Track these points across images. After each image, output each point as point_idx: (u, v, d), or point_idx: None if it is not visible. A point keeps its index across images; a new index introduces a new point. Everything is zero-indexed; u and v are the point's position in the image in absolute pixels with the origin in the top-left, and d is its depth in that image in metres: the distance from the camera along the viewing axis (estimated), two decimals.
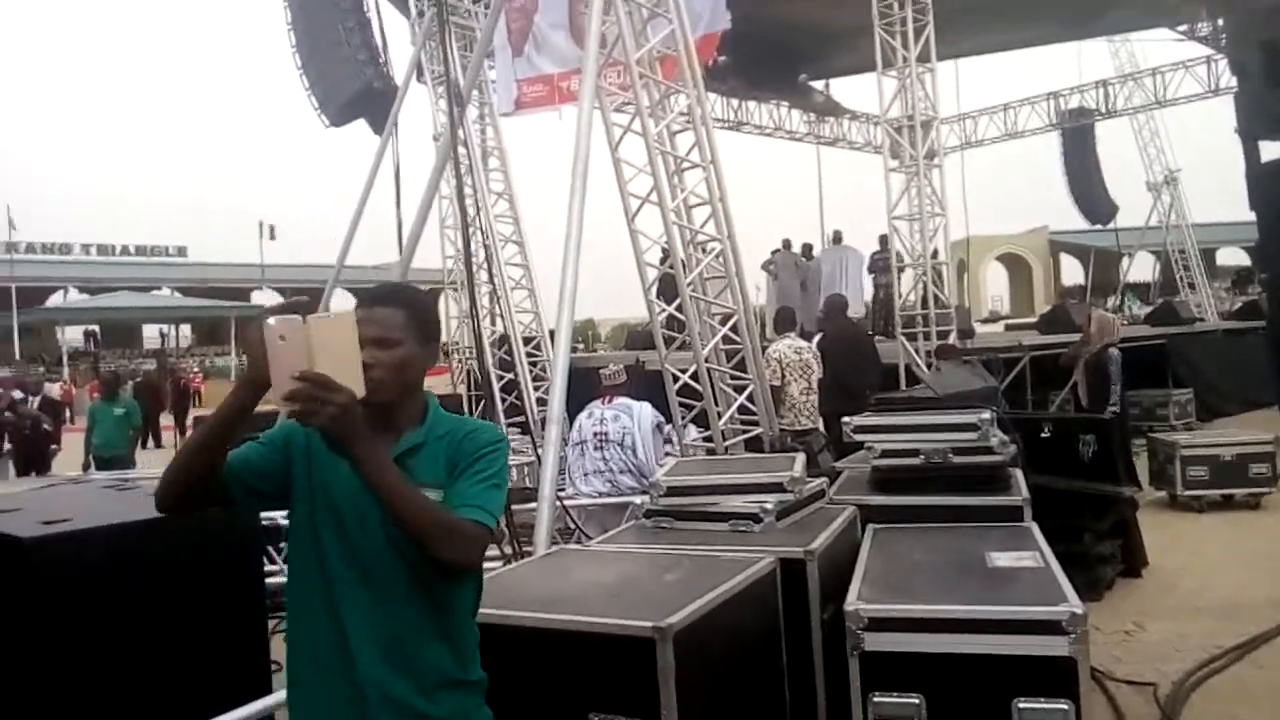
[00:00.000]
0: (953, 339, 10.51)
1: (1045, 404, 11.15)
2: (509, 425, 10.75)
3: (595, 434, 6.23)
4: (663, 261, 7.94)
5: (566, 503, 5.83)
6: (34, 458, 9.97)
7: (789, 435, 7.46)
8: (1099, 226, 31.54)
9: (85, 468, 10.36)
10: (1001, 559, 3.19)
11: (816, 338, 8.80)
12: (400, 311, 1.83)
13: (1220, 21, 18.62)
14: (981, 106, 25.57)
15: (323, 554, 1.78)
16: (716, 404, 7.39)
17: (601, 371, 6.59)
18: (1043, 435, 6.14)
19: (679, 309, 7.38)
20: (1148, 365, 12.60)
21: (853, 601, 2.82)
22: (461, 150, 7.97)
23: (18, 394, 11.31)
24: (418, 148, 12.47)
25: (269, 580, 4.19)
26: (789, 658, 2.99)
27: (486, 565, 1.99)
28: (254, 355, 1.59)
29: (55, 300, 49.90)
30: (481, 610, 1.94)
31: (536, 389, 11.47)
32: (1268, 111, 10.05)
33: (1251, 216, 11.12)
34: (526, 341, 12.01)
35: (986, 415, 4.10)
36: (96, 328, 49.59)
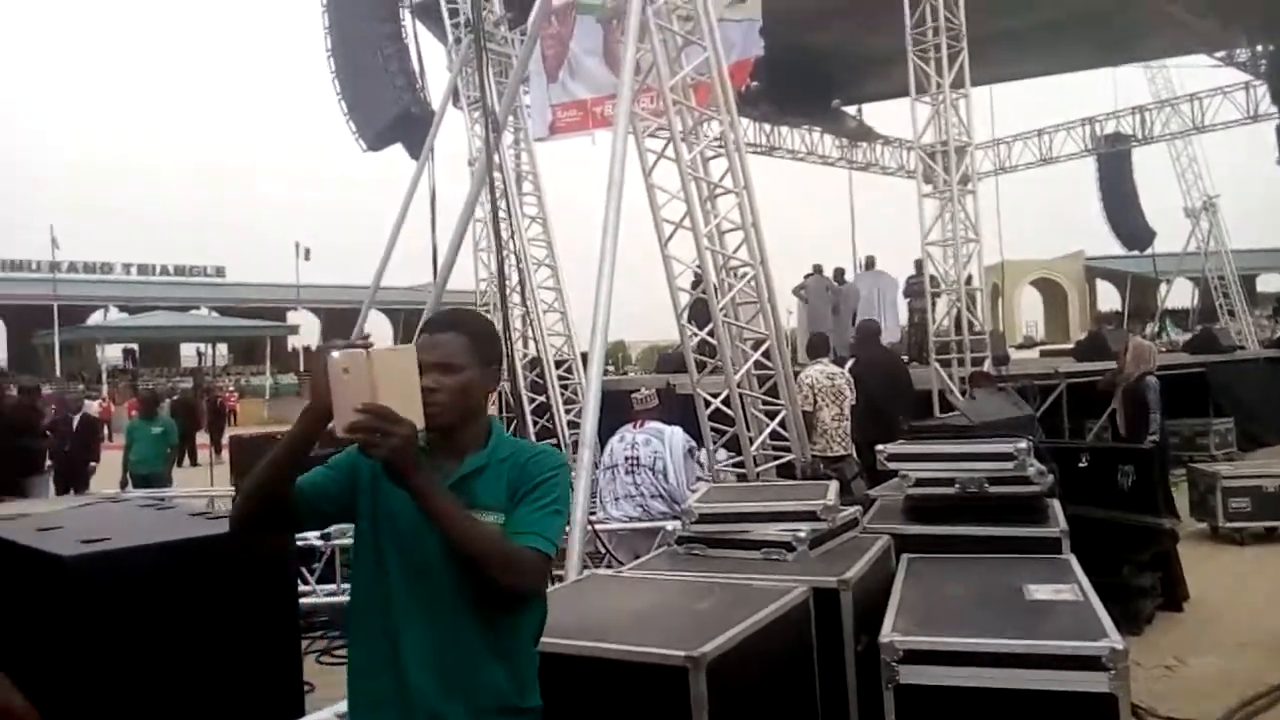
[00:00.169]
0: (987, 365, 10.41)
1: (1082, 432, 11.00)
2: None
3: (626, 458, 6.22)
4: (694, 286, 7.95)
5: (597, 527, 5.82)
6: (73, 475, 10.11)
7: (821, 462, 7.40)
8: (1136, 252, 31.19)
9: (123, 485, 10.49)
10: (1039, 591, 3.14)
11: (849, 363, 8.76)
12: (461, 337, 1.87)
13: (1260, 48, 18.43)
14: (1016, 131, 25.47)
15: (384, 575, 1.82)
16: (748, 429, 7.36)
17: (633, 395, 6.59)
18: (1080, 465, 6.05)
19: (711, 333, 7.38)
20: (1187, 394, 12.38)
21: (888, 633, 2.79)
22: (497, 175, 8.04)
23: (53, 408, 11.49)
24: (453, 172, 12.62)
25: (302, 601, 4.22)
26: (822, 689, 2.96)
27: None
28: (318, 387, 1.64)
29: (96, 319, 50.82)
30: None
31: (568, 411, 11.48)
32: None
33: None
34: (558, 364, 12.03)
35: (1023, 444, 4.06)
36: (135, 346, 50.40)
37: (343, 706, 3.37)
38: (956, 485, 4.07)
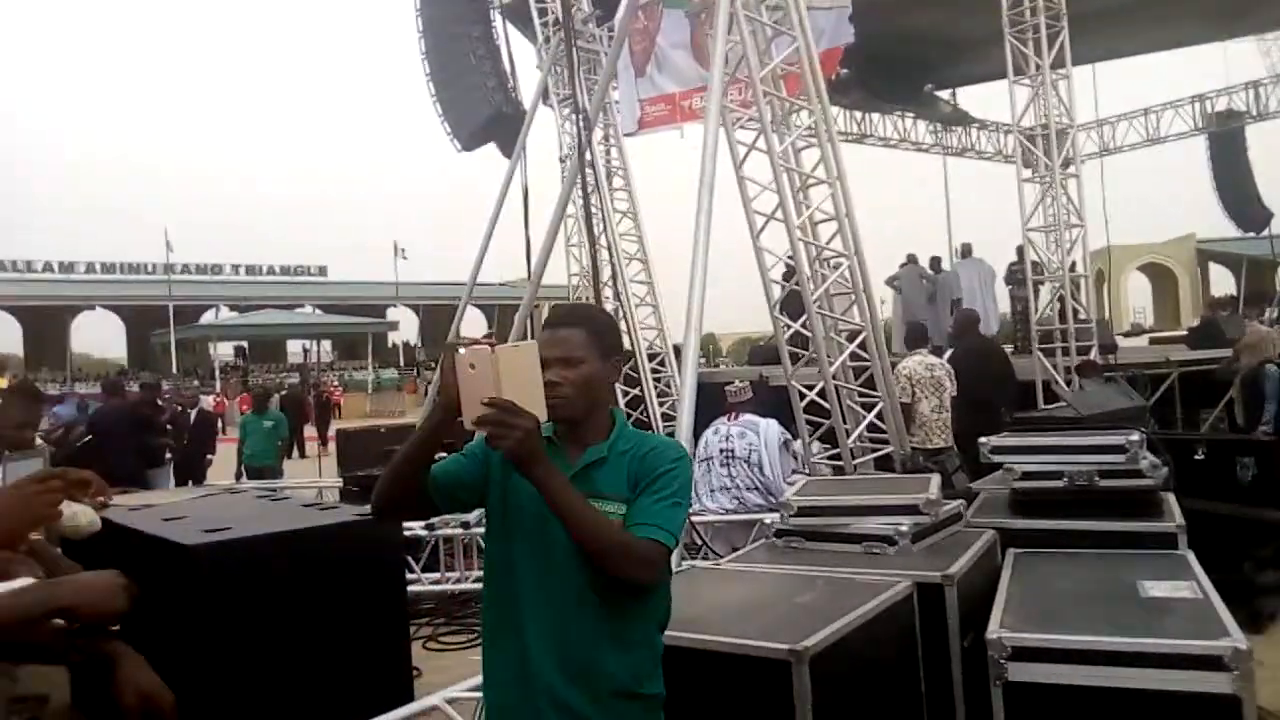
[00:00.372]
0: (1094, 354, 10.06)
1: (1196, 423, 10.54)
2: None
3: (721, 450, 6.22)
4: (785, 277, 7.88)
5: (694, 519, 5.84)
6: (190, 468, 10.57)
7: (920, 454, 7.28)
8: (1252, 234, 29.72)
9: (237, 477, 10.95)
10: (1155, 588, 3.03)
11: (947, 353, 8.57)
12: (581, 331, 1.92)
13: None
14: (1121, 111, 24.50)
15: (512, 561, 1.90)
16: (844, 421, 7.28)
17: (727, 388, 6.58)
18: (1196, 457, 5.81)
19: (804, 325, 7.31)
20: None
21: (995, 629, 2.72)
22: (588, 171, 8.11)
23: (176, 407, 12.02)
24: (545, 168, 12.77)
25: (408, 589, 4.35)
26: (927, 686, 2.92)
27: None
28: (447, 382, 1.73)
29: (208, 318, 53.03)
30: None
31: (661, 404, 11.54)
32: None
33: None
34: (651, 358, 12.08)
35: (1135, 437, 3.91)
36: (245, 343, 52.42)
37: (450, 692, 3.49)
38: (1065, 479, 3.95)
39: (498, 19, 15.64)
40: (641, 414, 11.47)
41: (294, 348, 55.68)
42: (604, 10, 12.09)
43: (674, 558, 4.96)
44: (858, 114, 21.57)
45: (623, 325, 11.99)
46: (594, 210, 8.66)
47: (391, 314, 56.00)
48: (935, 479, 3.89)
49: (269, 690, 3.29)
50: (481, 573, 6.74)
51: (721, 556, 4.94)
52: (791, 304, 7.62)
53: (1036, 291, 10.66)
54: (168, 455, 9.58)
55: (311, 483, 10.44)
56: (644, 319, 12.32)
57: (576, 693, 1.82)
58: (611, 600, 1.83)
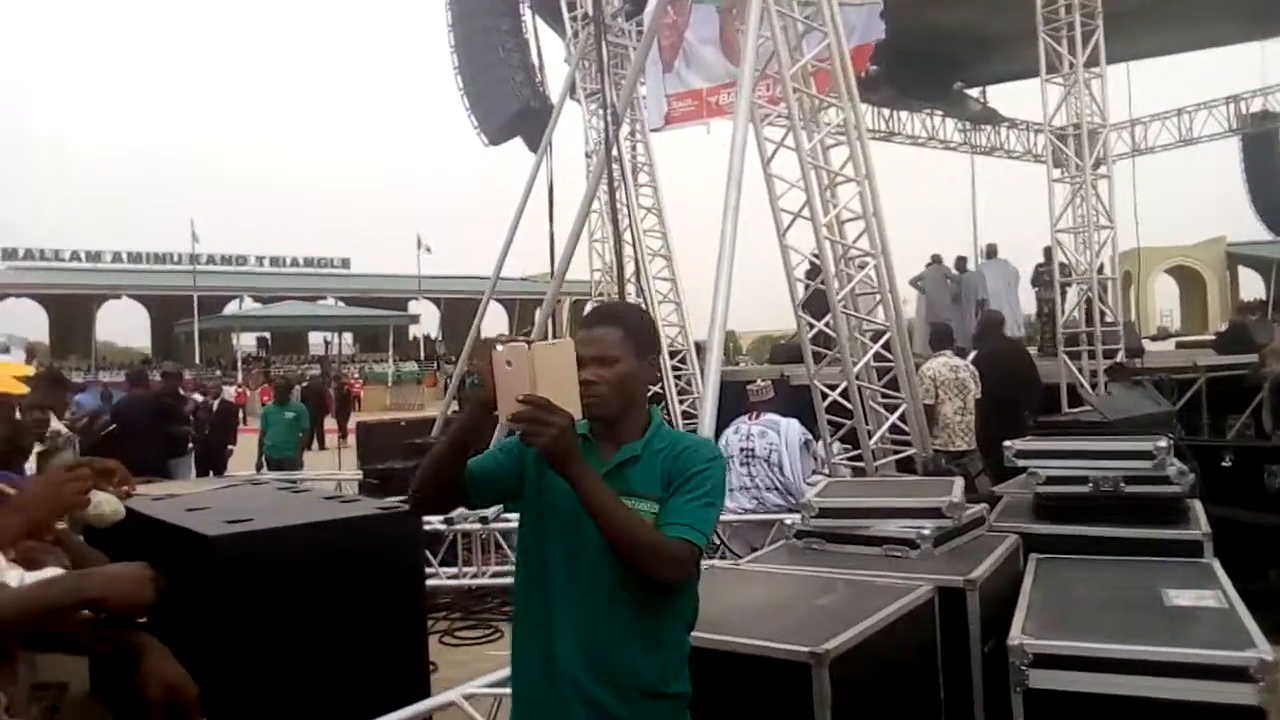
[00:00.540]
0: (1120, 358, 9.95)
1: (1223, 429, 10.40)
2: None
3: (742, 450, 6.20)
4: (809, 275, 7.84)
5: None
6: (212, 458, 10.66)
7: (943, 457, 7.22)
8: None
9: (258, 468, 11.03)
10: (1180, 597, 3.00)
11: (971, 355, 8.50)
12: (617, 330, 1.93)
13: None
14: (1154, 111, 24.21)
15: (545, 557, 1.91)
16: (866, 422, 7.24)
17: (749, 387, 6.56)
18: (1223, 464, 5.73)
19: (828, 324, 7.27)
20: None
21: (1016, 635, 2.70)
22: (615, 166, 8.11)
23: (198, 397, 12.13)
24: (570, 163, 12.78)
25: (426, 583, 4.36)
26: (946, 691, 2.90)
27: None
28: (483, 378, 1.75)
29: (231, 308, 53.42)
30: None
31: (682, 402, 11.52)
32: None
33: None
34: (672, 355, 12.07)
35: (1163, 442, 3.87)
36: (268, 334, 52.78)
37: (468, 688, 3.49)
38: (1090, 484, 3.91)
39: (527, 13, 15.67)
40: (662, 411, 11.45)
41: (315, 339, 56.08)
42: (633, 5, 12.09)
43: None
44: (886, 111, 21.45)
45: None
46: (619, 206, 8.64)
47: (413, 307, 56.25)
48: (958, 482, 3.86)
49: (288, 682, 3.30)
50: (499, 568, 6.75)
51: (740, 556, 4.92)
52: (815, 303, 7.59)
53: (1063, 293, 10.54)
54: (190, 445, 9.66)
55: (331, 474, 10.49)
56: (666, 316, 12.29)
57: (604, 690, 1.84)
58: (642, 599, 1.84)
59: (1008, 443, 4.28)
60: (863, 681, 2.44)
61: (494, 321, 46.36)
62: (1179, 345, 18.55)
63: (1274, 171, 27.75)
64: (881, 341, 7.35)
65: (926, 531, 3.38)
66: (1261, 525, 5.43)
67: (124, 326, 58.44)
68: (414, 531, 3.98)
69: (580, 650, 1.84)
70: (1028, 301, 14.10)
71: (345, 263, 58.65)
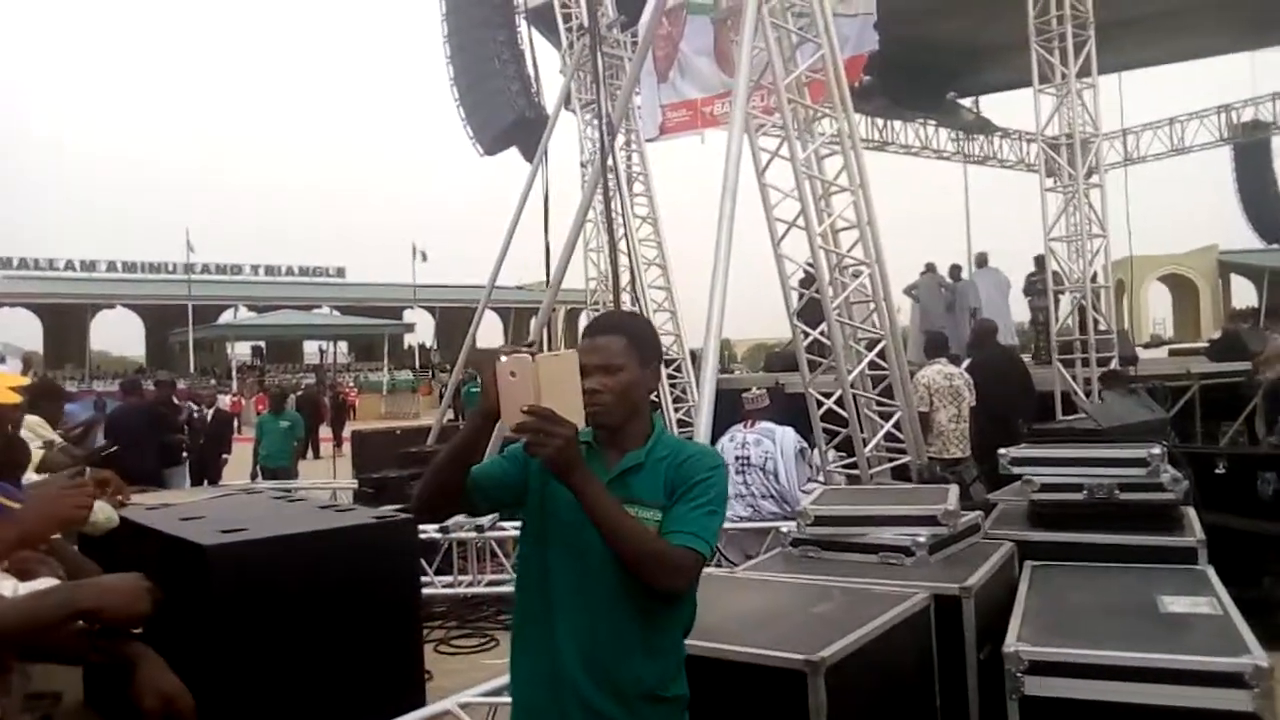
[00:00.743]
0: (1114, 365, 9.98)
1: (1216, 436, 10.43)
2: None
3: (737, 458, 6.21)
4: (803, 284, 7.86)
5: None
6: (207, 467, 10.63)
7: (937, 464, 7.23)
8: (1275, 246, 29.46)
9: (253, 477, 10.99)
10: (1174, 604, 3.00)
11: (965, 363, 8.52)
12: (621, 338, 1.94)
13: None
14: (1146, 121, 24.34)
15: (547, 565, 1.92)
16: (862, 430, 7.25)
17: (744, 395, 6.57)
18: (1217, 471, 5.75)
19: (823, 333, 7.28)
20: None
21: (1012, 643, 2.70)
22: (610, 176, 8.12)
23: (192, 406, 12.11)
24: (566, 173, 12.79)
25: (423, 592, 4.35)
26: (942, 699, 2.90)
27: None
28: (487, 389, 1.76)
29: (226, 317, 53.30)
30: None
31: (677, 410, 11.52)
32: None
33: None
34: (668, 363, 12.07)
35: (1157, 450, 3.88)
36: (262, 343, 52.66)
37: (463, 696, 3.49)
38: (1085, 491, 3.92)
39: (523, 24, 15.69)
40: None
41: (310, 348, 55.91)
42: (628, 16, 12.12)
43: None
44: (880, 121, 21.54)
45: None
46: (614, 215, 8.66)
47: (408, 316, 56.16)
48: (953, 490, 3.87)
49: (283, 692, 3.30)
50: (494, 577, 6.72)
51: (735, 564, 4.91)
52: (810, 311, 7.60)
53: (1057, 302, 10.57)
54: (184, 454, 9.64)
55: (326, 484, 10.48)
56: (662, 324, 12.29)
57: (605, 697, 1.85)
58: (644, 607, 1.86)
59: (1002, 450, 4.29)
60: (859, 689, 2.44)
61: (489, 330, 46.42)
62: (1172, 353, 18.60)
63: (1265, 180, 27.94)
64: (876, 350, 7.36)
65: (922, 539, 3.39)
66: (1255, 532, 5.44)
67: (118, 336, 58.31)
68: (409, 540, 3.97)
69: (582, 657, 1.85)
70: (1019, 310, 14.15)
71: (340, 271, 58.57)
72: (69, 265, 51.71)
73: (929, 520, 3.49)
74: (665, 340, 12.21)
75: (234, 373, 43.72)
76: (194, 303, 45.31)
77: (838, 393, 7.26)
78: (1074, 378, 9.94)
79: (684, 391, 11.69)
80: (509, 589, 5.58)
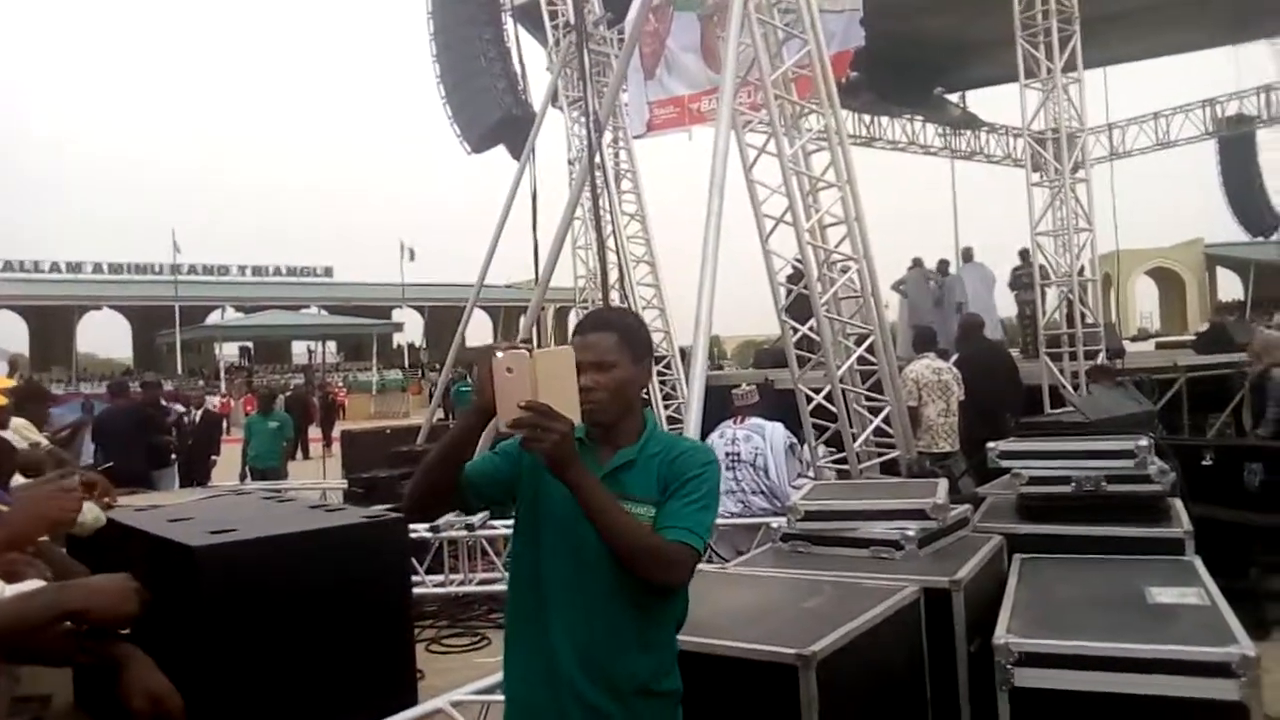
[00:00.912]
0: (1101, 359, 10.03)
1: (1203, 428, 10.50)
2: None
3: (727, 454, 6.21)
4: (791, 280, 7.87)
5: None
6: (195, 468, 10.59)
7: (926, 458, 7.26)
8: (1260, 239, 29.65)
9: (242, 478, 10.95)
10: (1162, 594, 3.03)
11: (953, 358, 8.55)
12: (612, 335, 1.94)
13: None
14: (1131, 115, 24.43)
15: (540, 560, 1.92)
16: (851, 426, 7.26)
17: (734, 391, 6.57)
18: (1204, 463, 5.78)
19: (812, 329, 7.30)
20: None
21: (1002, 635, 2.72)
22: (597, 173, 8.12)
23: (180, 408, 12.05)
24: (553, 170, 12.78)
25: (414, 591, 4.34)
26: (933, 691, 2.91)
27: None
28: (483, 385, 1.76)
29: (214, 318, 53.01)
30: None
31: (666, 407, 11.53)
32: None
33: None
34: (657, 360, 12.07)
35: (1144, 442, 3.91)
36: (250, 344, 52.42)
37: (455, 695, 3.48)
38: (1073, 484, 3.94)
39: (509, 22, 15.66)
40: None
41: (299, 349, 55.68)
42: (615, 13, 12.11)
43: None
44: (866, 117, 21.55)
45: None
46: (602, 213, 8.66)
47: (397, 315, 56.00)
48: (942, 484, 3.89)
49: (273, 692, 3.29)
50: (485, 575, 6.71)
51: (726, 560, 4.92)
52: (798, 307, 7.61)
53: (1044, 296, 10.62)
54: (173, 456, 9.59)
55: (315, 484, 10.44)
56: (650, 321, 12.30)
57: (600, 692, 1.85)
58: (639, 602, 1.86)
59: (991, 444, 4.31)
60: (849, 683, 2.45)
61: (478, 329, 46.29)
62: (1159, 346, 18.73)
63: (1250, 174, 28.08)
64: (865, 345, 7.38)
65: (911, 533, 3.40)
66: (1242, 523, 5.48)
67: (105, 338, 57.95)
68: (400, 540, 3.97)
69: (577, 653, 1.85)
70: (1005, 305, 14.19)
71: (328, 271, 58.30)
72: (54, 267, 51.34)
73: (918, 514, 3.50)
74: (655, 337, 12.21)
75: (222, 374, 43.46)
76: (181, 304, 45.04)
77: (827, 388, 7.27)
78: (1061, 371, 9.99)
79: (674, 388, 11.71)
80: (500, 588, 5.58)
